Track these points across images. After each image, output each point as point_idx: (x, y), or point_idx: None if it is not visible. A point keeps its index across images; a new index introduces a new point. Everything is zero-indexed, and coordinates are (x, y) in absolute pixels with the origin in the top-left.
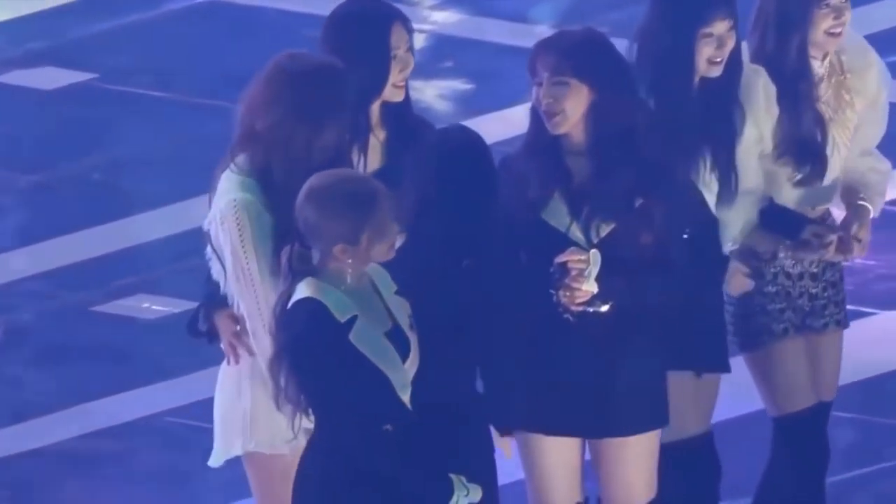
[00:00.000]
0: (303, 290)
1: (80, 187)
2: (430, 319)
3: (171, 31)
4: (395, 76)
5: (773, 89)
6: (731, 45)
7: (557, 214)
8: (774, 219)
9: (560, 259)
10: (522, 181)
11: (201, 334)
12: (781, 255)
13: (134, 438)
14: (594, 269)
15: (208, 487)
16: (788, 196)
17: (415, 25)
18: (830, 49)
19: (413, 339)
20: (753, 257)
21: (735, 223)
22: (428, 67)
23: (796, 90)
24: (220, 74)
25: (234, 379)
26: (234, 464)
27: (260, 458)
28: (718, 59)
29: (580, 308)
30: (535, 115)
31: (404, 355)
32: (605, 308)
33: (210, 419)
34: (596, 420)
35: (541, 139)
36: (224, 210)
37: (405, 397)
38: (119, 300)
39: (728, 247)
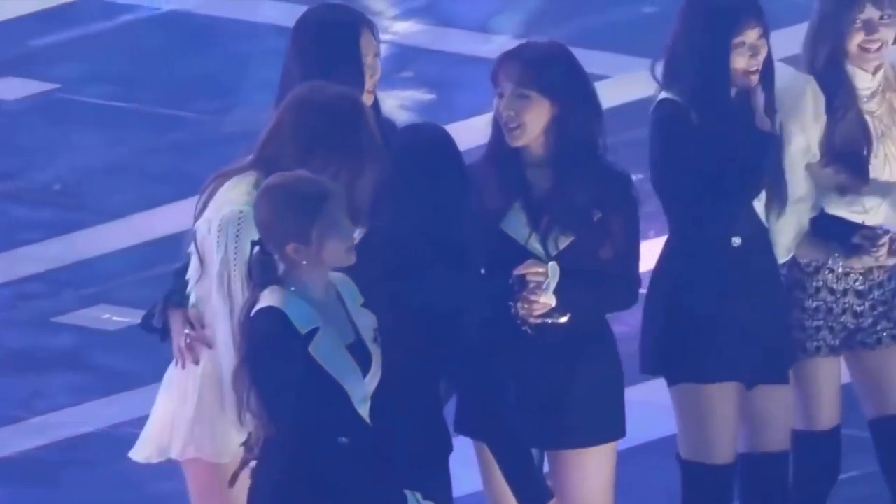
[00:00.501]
0: (266, 299)
1: (41, 198)
2: (395, 322)
3: (132, 41)
4: (366, 83)
5: (821, 98)
6: (763, 53)
7: (516, 226)
8: (825, 226)
9: (518, 271)
10: (482, 191)
11: (155, 330)
12: (827, 268)
13: (95, 449)
14: (552, 282)
15: (169, 497)
16: (836, 208)
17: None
18: (867, 64)
19: (376, 352)
20: (797, 270)
21: (787, 232)
22: (389, 77)
23: (836, 102)
24: (181, 84)
25: (181, 383)
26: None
27: (199, 465)
28: (753, 69)
29: (538, 320)
30: (496, 125)
31: (365, 369)
32: (563, 320)
33: None
34: (553, 431)
35: (501, 150)
36: (227, 217)
37: (363, 411)
38: (80, 311)
39: (782, 257)
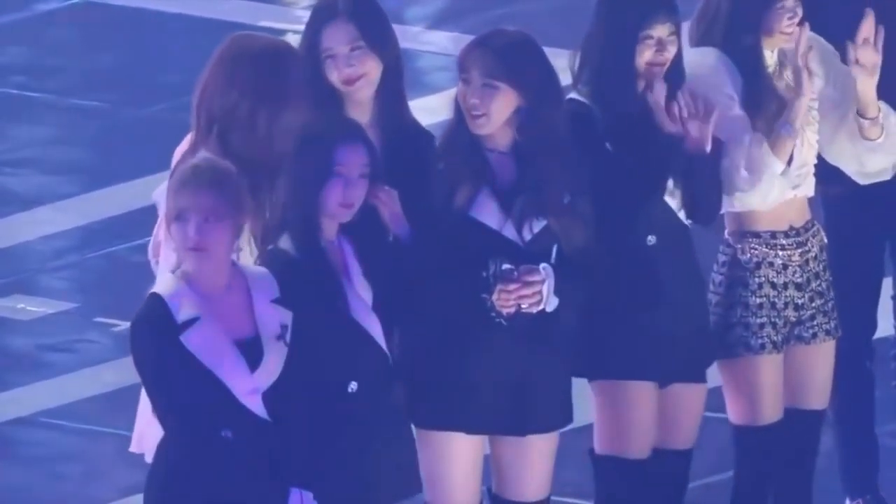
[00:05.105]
0: (157, 284)
1: None
2: None
3: (46, 31)
4: (331, 74)
5: (734, 68)
6: (672, 50)
7: (488, 212)
8: None
9: (524, 278)
10: (446, 178)
11: None
12: (767, 262)
13: (5, 439)
14: (552, 283)
15: (84, 488)
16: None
17: (288, 26)
18: (783, 45)
19: (275, 349)
20: (738, 267)
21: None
22: None
23: (756, 86)
24: (95, 75)
25: None
26: (110, 465)
27: None
28: (659, 63)
29: (513, 310)
30: (458, 111)
31: (256, 364)
32: (536, 309)
33: (84, 420)
34: (521, 417)
35: (464, 136)
36: None
37: (252, 405)
38: None
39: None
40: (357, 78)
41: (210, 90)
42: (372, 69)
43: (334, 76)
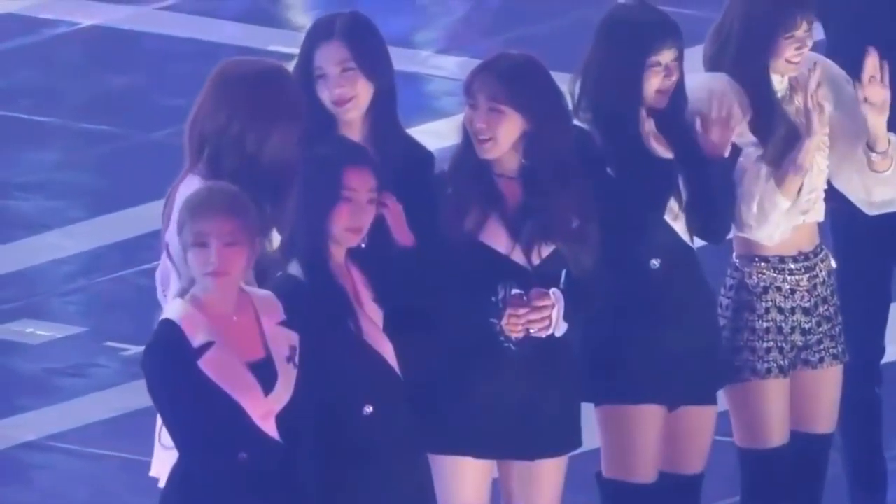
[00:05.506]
0: (168, 310)
1: None
2: None
3: (55, 55)
4: (323, 94)
5: (742, 93)
6: (677, 75)
7: (496, 237)
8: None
9: (534, 302)
10: (455, 203)
11: None
12: (775, 287)
13: (15, 463)
14: (561, 307)
15: None
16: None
17: (297, 51)
18: (790, 74)
19: (287, 371)
20: (745, 292)
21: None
22: None
23: (766, 114)
24: (103, 99)
25: None
26: (119, 489)
27: None
28: (665, 89)
29: (521, 335)
30: (466, 136)
31: (269, 387)
32: (544, 333)
33: (93, 444)
34: (530, 441)
35: (472, 161)
36: None
37: (266, 427)
38: (3, 325)
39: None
40: (347, 100)
41: (202, 114)
42: (362, 92)
43: (325, 95)
